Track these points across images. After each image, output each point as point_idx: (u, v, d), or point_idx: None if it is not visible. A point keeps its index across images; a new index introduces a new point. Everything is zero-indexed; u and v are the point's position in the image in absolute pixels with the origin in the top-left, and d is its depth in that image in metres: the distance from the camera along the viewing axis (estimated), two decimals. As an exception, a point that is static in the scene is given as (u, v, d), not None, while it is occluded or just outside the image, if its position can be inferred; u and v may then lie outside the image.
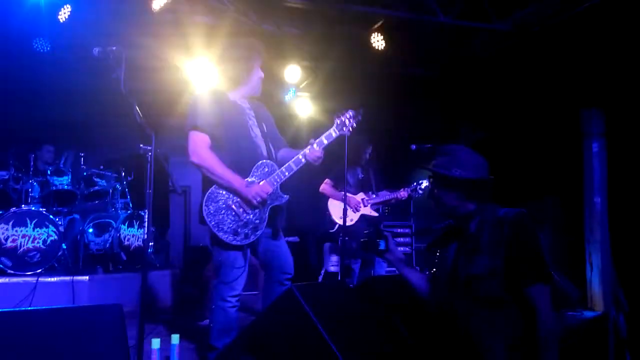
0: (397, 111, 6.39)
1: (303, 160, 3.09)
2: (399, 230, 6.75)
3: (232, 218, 2.97)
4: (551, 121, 5.56)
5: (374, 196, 5.20)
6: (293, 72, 6.08)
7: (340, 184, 5.07)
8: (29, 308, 3.21)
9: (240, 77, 3.16)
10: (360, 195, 5.16)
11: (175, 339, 3.25)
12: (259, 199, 2.98)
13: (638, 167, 5.69)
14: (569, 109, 5.38)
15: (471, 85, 5.97)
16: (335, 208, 5.08)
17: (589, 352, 4.61)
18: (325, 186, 5.15)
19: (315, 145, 3.11)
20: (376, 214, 5.29)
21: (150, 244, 5.26)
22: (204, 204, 2.97)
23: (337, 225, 5.04)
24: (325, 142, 3.16)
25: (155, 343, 3.06)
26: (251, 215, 3.00)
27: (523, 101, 5.71)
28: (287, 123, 6.32)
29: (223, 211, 2.96)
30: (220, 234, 2.94)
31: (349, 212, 4.99)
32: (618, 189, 5.30)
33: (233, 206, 2.97)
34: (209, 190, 2.98)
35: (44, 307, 1.75)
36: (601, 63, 4.90)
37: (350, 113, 3.22)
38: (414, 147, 5.37)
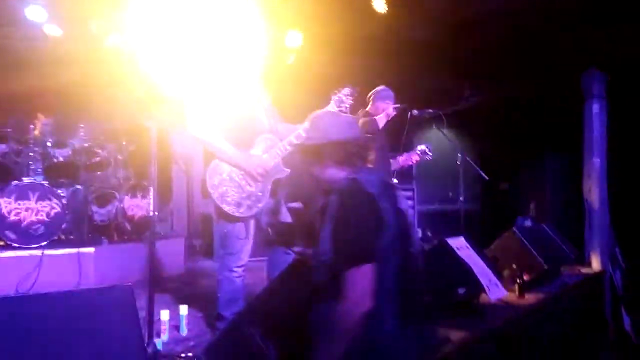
0: (400, 76, 6.35)
1: (304, 134, 3.10)
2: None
3: (236, 190, 3.01)
4: (553, 83, 5.55)
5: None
6: (294, 37, 6.00)
7: None
8: (38, 292, 3.22)
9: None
10: None
11: (183, 309, 3.34)
12: (260, 170, 3.01)
13: (637, 128, 5.72)
14: (570, 70, 5.35)
15: (474, 47, 5.89)
16: None
17: (586, 309, 4.74)
18: None
19: None
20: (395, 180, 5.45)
21: (155, 213, 5.32)
22: (207, 177, 3.00)
23: None
24: None
25: (164, 315, 3.14)
26: (254, 188, 3.04)
27: (526, 63, 5.67)
28: (288, 90, 6.27)
29: (226, 183, 3.00)
30: (224, 206, 2.98)
31: None
32: (617, 150, 5.33)
33: (236, 178, 3.00)
34: (212, 163, 3.01)
35: (53, 292, 1.77)
36: (602, 25, 4.85)
37: (348, 90, 3.21)
38: (415, 112, 5.40)
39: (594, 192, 5.21)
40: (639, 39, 4.88)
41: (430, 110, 5.18)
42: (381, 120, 4.51)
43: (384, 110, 4.57)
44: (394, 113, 4.59)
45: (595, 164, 5.17)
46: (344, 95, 3.18)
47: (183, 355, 2.66)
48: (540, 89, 5.74)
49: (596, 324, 4.97)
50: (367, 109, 4.68)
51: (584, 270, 5.05)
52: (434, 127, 5.50)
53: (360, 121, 4.58)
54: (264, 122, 3.17)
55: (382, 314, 1.96)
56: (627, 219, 5.54)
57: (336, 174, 2.10)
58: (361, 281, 1.91)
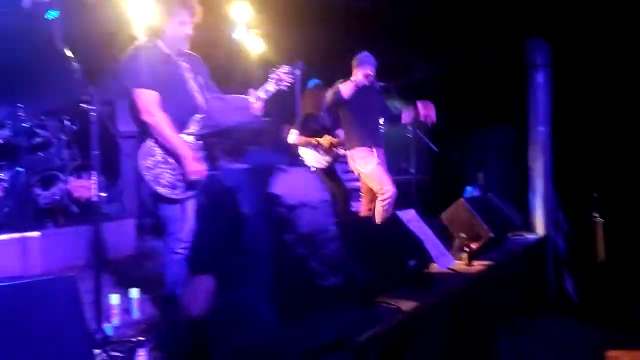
0: (349, 49, 6.32)
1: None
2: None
3: (170, 172, 2.92)
4: (498, 52, 5.62)
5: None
6: (240, 9, 5.86)
7: (306, 132, 5.22)
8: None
9: (159, 27, 3.01)
10: (328, 138, 5.29)
11: (134, 292, 3.28)
12: (194, 177, 2.93)
13: (580, 97, 5.90)
14: (514, 40, 5.44)
15: (419, 17, 5.91)
16: (308, 155, 5.21)
17: (531, 272, 4.95)
18: (293, 137, 5.19)
19: (253, 100, 3.06)
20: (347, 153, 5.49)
21: (103, 194, 5.17)
22: (139, 158, 2.88)
23: (311, 169, 5.21)
24: (264, 96, 3.10)
25: (114, 299, 3.08)
26: None
27: (471, 33, 5.72)
28: (236, 63, 6.15)
29: (161, 165, 2.91)
30: (158, 188, 2.89)
31: (323, 155, 5.22)
32: (560, 118, 5.50)
33: (170, 159, 2.91)
34: (145, 144, 2.89)
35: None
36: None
37: (286, 68, 3.14)
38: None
39: (538, 160, 5.38)
40: (580, 7, 4.98)
41: (381, 83, 5.20)
42: (347, 89, 4.37)
43: (366, 77, 4.40)
44: (365, 81, 4.39)
45: (539, 133, 5.32)
46: (282, 73, 3.10)
47: (134, 339, 2.62)
48: (487, 58, 5.82)
49: (540, 287, 5.21)
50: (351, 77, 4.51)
51: (529, 235, 5.26)
52: (390, 99, 5.53)
53: (328, 92, 4.52)
54: (198, 101, 3.08)
55: (256, 311, 1.91)
56: (569, 185, 5.77)
57: (204, 169, 2.00)
58: (198, 289, 1.90)
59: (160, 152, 2.89)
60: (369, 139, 4.50)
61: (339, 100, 4.41)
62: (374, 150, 4.47)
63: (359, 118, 4.52)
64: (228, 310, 1.94)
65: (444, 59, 6.12)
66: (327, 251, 2.68)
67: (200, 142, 3.00)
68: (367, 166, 4.40)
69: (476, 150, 6.69)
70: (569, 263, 5.27)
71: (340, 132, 5.46)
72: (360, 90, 4.40)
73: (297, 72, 4.06)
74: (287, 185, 4.89)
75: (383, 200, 4.25)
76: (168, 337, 2.24)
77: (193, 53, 3.21)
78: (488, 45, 5.67)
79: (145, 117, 2.86)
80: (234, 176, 1.95)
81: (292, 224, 2.10)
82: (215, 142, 3.93)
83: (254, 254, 1.94)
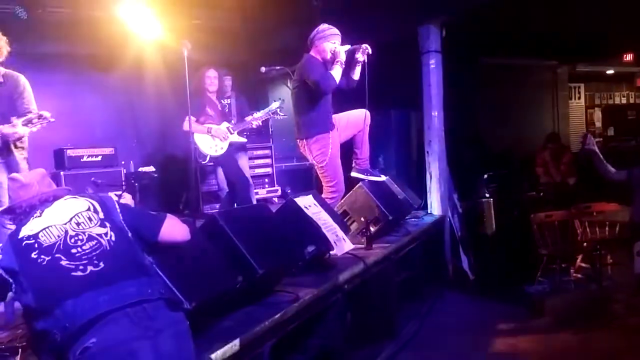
0: (249, 33, 6.18)
1: None
2: (259, 151, 6.81)
3: None
4: (396, 37, 5.69)
5: (236, 123, 5.32)
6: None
7: (200, 118, 5.10)
8: None
9: None
10: (225, 125, 5.17)
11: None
12: None
13: (469, 81, 6.15)
14: (410, 25, 5.54)
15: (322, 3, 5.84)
16: (203, 141, 5.05)
17: (429, 252, 5.12)
18: (188, 123, 4.97)
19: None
20: (245, 140, 5.43)
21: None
22: None
23: (208, 156, 5.08)
24: None
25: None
26: None
27: (370, 17, 5.74)
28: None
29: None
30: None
31: (218, 141, 5.11)
32: (452, 102, 5.70)
33: None
34: None
35: None
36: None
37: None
38: (263, 69, 5.35)
39: (433, 143, 5.55)
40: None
41: (278, 67, 5.14)
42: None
43: (331, 51, 4.03)
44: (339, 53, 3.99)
45: (433, 117, 5.48)
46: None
47: (2, 346, 2.35)
48: (385, 42, 5.89)
49: (438, 265, 5.41)
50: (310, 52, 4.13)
51: (426, 216, 5.43)
52: (288, 84, 5.48)
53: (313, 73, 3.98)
54: None
55: None
56: (462, 167, 6.02)
57: None
58: None
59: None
60: (331, 124, 4.19)
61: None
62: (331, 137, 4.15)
63: (324, 103, 4.14)
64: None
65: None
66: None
67: None
68: (324, 157, 4.10)
69: (376, 134, 6.80)
70: (464, 242, 5.51)
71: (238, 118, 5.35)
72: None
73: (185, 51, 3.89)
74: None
75: (331, 199, 4.09)
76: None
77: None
78: (386, 29, 5.72)
79: None
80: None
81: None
82: None
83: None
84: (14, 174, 2.17)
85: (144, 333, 1.71)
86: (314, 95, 4.05)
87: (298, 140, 4.26)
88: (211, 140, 5.07)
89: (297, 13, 5.90)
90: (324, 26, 4.15)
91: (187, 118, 4.54)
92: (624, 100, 11.02)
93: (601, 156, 4.93)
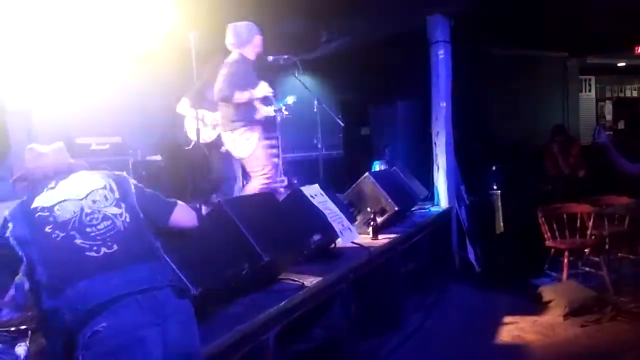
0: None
1: None
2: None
3: None
4: (403, 28, 5.66)
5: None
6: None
7: (197, 103, 4.95)
8: None
9: None
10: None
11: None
12: None
13: (478, 73, 6.10)
14: (418, 15, 5.50)
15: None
16: (192, 128, 4.96)
17: (435, 243, 5.10)
18: (182, 106, 4.95)
19: None
20: None
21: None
22: None
23: (192, 142, 4.95)
24: None
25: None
26: None
27: (377, 8, 5.71)
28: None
29: None
30: None
31: (209, 129, 4.98)
32: (461, 93, 5.66)
33: None
34: None
35: None
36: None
37: None
38: (270, 58, 5.29)
39: (441, 135, 5.51)
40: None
41: (286, 57, 5.09)
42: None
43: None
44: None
45: (441, 108, 5.44)
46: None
47: (13, 329, 2.36)
48: (393, 33, 5.85)
49: (444, 256, 5.40)
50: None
51: (433, 208, 5.41)
52: (295, 74, 5.42)
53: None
54: None
55: None
56: (470, 159, 5.99)
57: None
58: None
59: None
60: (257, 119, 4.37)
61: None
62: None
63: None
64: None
65: (350, 34, 6.08)
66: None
67: None
68: (249, 148, 4.25)
69: (384, 125, 6.78)
70: (471, 233, 5.49)
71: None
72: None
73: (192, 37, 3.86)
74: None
75: (266, 179, 4.21)
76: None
77: None
78: (394, 20, 5.69)
79: None
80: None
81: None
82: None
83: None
84: (32, 144, 2.10)
85: (153, 320, 1.71)
86: None
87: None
88: (201, 127, 5.02)
89: (305, 2, 5.86)
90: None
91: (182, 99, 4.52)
92: (635, 94, 10.88)
93: (614, 149, 4.87)
